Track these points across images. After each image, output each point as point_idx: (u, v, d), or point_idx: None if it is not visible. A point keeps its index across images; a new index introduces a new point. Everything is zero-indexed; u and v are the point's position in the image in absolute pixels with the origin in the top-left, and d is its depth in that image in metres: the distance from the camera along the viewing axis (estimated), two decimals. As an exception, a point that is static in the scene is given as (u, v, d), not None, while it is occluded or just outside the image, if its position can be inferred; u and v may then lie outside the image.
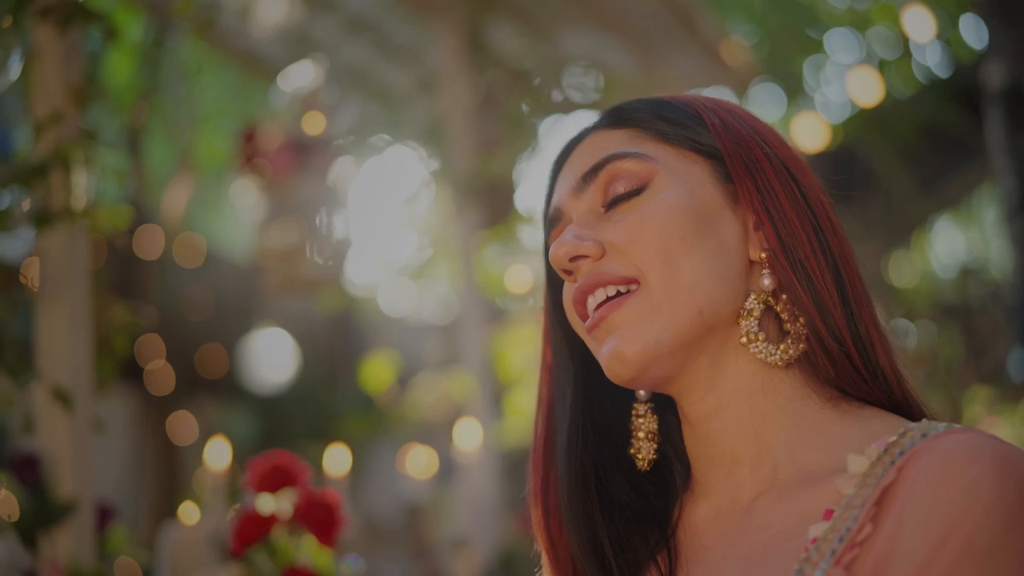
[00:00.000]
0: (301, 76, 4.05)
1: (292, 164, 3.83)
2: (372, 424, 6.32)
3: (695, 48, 5.37)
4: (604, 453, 1.39)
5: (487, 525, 4.53)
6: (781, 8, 9.81)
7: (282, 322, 7.42)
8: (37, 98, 2.82)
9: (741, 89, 6.69)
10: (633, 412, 1.39)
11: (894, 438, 1.18)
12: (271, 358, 7.52)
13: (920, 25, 5.95)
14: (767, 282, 1.28)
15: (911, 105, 8.50)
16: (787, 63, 10.03)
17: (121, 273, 8.17)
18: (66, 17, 2.83)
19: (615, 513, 1.36)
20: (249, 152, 3.90)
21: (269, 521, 2.49)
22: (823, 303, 1.26)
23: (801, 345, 1.27)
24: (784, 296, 1.28)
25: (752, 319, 1.28)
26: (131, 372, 8.09)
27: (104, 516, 2.85)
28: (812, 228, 1.29)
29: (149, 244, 8.11)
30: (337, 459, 3.97)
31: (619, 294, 1.28)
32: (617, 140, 1.35)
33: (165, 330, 8.30)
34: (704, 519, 1.33)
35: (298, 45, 4.88)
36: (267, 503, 2.53)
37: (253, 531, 2.47)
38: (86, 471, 2.77)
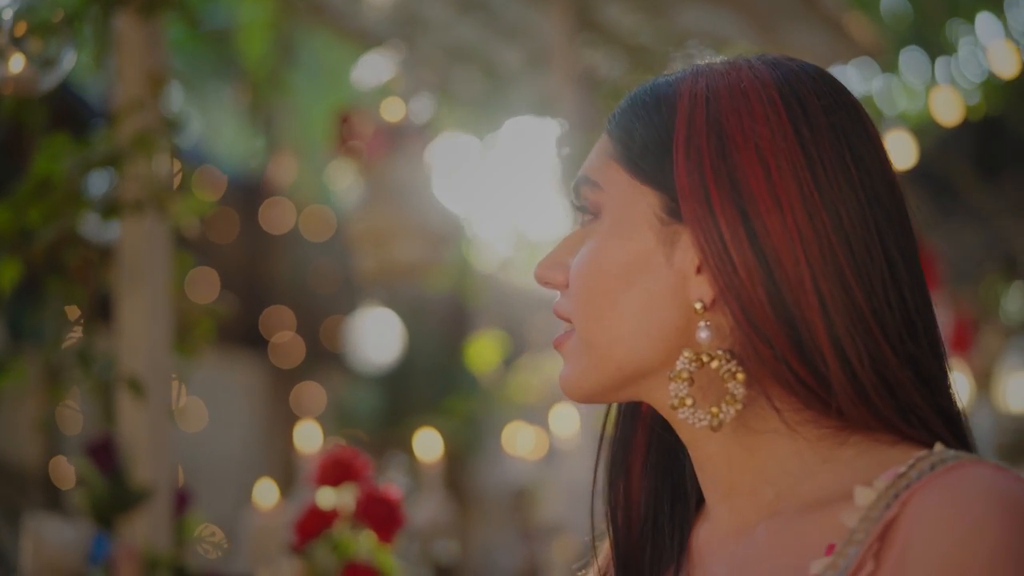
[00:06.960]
0: (386, 60, 4.02)
1: (387, 147, 3.80)
2: (476, 404, 6.31)
3: (817, 23, 5.18)
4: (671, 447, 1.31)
5: (585, 512, 4.46)
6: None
7: (397, 298, 7.44)
8: (118, 86, 2.85)
9: (883, 61, 6.42)
10: None
11: (903, 469, 1.08)
12: (380, 334, 7.56)
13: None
14: (703, 335, 1.14)
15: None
16: (933, 30, 9.63)
17: (250, 246, 8.32)
18: (148, 5, 2.85)
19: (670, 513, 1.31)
20: (344, 134, 3.89)
21: (330, 516, 2.48)
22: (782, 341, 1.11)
23: (737, 407, 1.13)
24: (722, 352, 1.14)
25: (680, 382, 1.14)
26: (257, 343, 8.25)
27: (182, 501, 2.87)
28: (762, 270, 1.11)
29: (278, 217, 8.23)
30: (428, 444, 3.96)
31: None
32: (600, 156, 1.23)
33: (293, 303, 8.44)
34: (707, 543, 1.24)
35: (408, 24, 4.86)
36: (328, 497, 2.52)
37: (314, 525, 2.46)
38: (163, 457, 2.80)
